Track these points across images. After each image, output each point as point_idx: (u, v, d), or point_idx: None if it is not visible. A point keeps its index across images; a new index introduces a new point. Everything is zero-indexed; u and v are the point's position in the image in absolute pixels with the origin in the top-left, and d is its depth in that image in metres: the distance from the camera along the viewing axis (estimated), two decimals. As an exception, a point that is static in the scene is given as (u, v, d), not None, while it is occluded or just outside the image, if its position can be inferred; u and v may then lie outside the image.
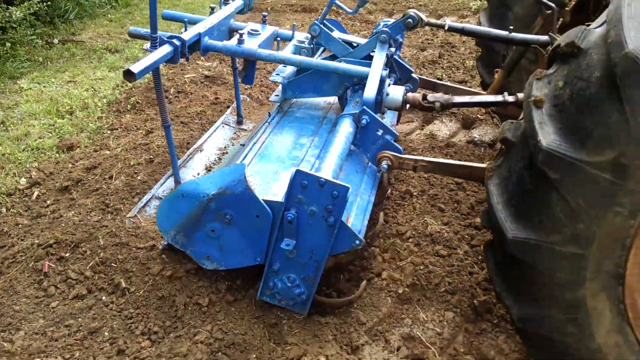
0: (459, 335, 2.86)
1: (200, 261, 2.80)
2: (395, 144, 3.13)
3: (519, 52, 3.85)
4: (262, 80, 5.65)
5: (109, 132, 4.76)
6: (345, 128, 3.00)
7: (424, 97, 3.37)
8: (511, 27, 3.65)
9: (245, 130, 4.48)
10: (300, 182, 2.43)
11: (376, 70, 3.18)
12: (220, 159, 4.04)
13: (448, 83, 4.48)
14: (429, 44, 7.25)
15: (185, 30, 3.21)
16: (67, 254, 3.02)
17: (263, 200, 2.57)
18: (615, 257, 1.90)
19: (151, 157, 3.96)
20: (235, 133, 4.40)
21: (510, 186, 2.13)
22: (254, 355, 2.56)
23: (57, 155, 4.41)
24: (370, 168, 3.23)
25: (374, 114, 3.06)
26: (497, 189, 2.22)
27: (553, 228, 1.92)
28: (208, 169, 3.88)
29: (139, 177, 3.69)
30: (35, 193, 3.80)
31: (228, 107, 4.81)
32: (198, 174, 3.81)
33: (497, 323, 2.91)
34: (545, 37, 3.58)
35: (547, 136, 1.88)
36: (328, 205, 2.45)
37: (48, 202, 3.66)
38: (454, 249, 3.30)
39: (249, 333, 2.67)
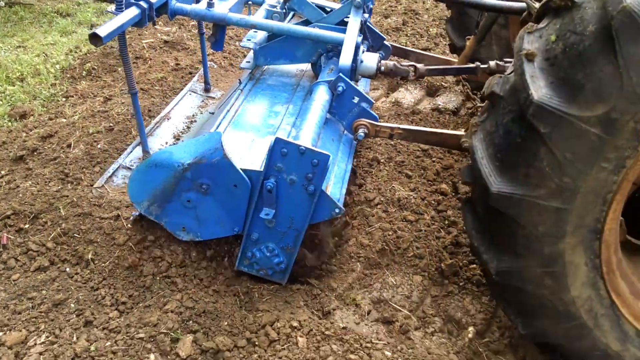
0: (427, 298, 2.92)
1: (176, 232, 2.74)
2: (371, 111, 3.11)
3: (491, 19, 3.85)
4: (226, 47, 5.49)
5: (63, 99, 4.55)
6: (322, 96, 2.95)
7: (398, 64, 3.35)
8: None
9: (214, 98, 4.36)
10: (280, 150, 2.39)
11: (351, 36, 3.13)
12: (188, 127, 3.93)
13: (419, 51, 4.46)
14: (392, 11, 7.20)
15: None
16: (27, 225, 2.90)
17: (241, 169, 2.51)
18: (596, 212, 1.94)
19: (111, 125, 3.82)
20: (202, 101, 4.28)
21: (496, 140, 2.12)
22: (226, 323, 2.55)
23: (9, 123, 4.19)
24: (346, 136, 3.20)
25: (350, 81, 3.01)
26: (481, 144, 2.21)
27: (539, 182, 1.94)
28: (176, 138, 3.77)
29: (99, 146, 3.56)
30: (-12, 163, 3.62)
31: (190, 73, 4.68)
32: (166, 142, 3.70)
33: (464, 285, 2.99)
34: (520, 4, 3.57)
35: (539, 90, 1.88)
36: (308, 174, 2.43)
37: (2, 172, 3.49)
38: (421, 214, 3.34)
39: (220, 301, 2.65)
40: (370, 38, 3.74)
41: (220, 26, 3.37)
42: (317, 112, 2.80)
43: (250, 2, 3.75)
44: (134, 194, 2.68)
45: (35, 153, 3.62)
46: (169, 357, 2.40)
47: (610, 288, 2.11)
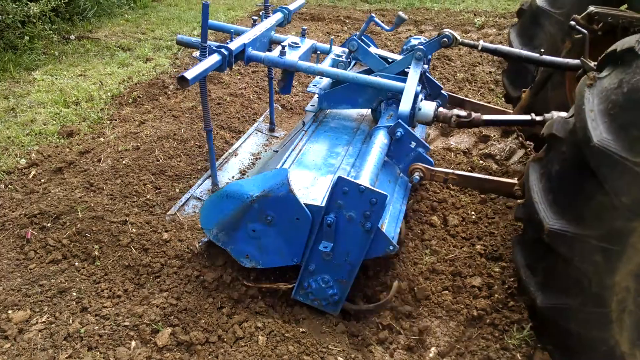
0: (397, 319, 3.10)
1: (240, 259, 2.93)
2: (427, 156, 3.26)
3: (547, 74, 3.99)
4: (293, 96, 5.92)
5: (107, 122, 5.11)
6: (380, 139, 3.11)
7: (455, 114, 3.50)
8: (542, 50, 3.79)
9: (277, 137, 4.71)
10: (342, 188, 2.55)
11: (411, 85, 3.33)
12: (253, 163, 4.27)
13: (475, 100, 4.58)
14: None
15: (231, 40, 3.36)
16: (49, 224, 3.35)
17: (304, 204, 2.70)
18: None
19: (138, 144, 4.29)
20: (267, 140, 4.65)
21: (552, 180, 2.24)
22: (203, 321, 2.84)
23: (57, 140, 4.77)
24: (402, 179, 3.35)
25: (407, 127, 3.19)
26: (538, 183, 2.35)
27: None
28: (242, 173, 4.11)
29: (124, 162, 4.02)
30: (32, 172, 4.15)
31: (218, 104, 5.14)
32: (233, 177, 4.02)
33: (433, 309, 3.15)
34: (575, 61, 3.68)
35: (599, 134, 1.99)
36: (366, 212, 2.57)
37: (42, 180, 4.01)
38: (403, 240, 3.54)
39: (201, 303, 2.95)
40: (428, 87, 3.89)
41: (289, 72, 3.62)
42: (376, 155, 2.95)
43: (318, 52, 4.03)
44: (204, 221, 2.89)
45: (71, 166, 4.13)
46: (147, 345, 2.72)
47: None
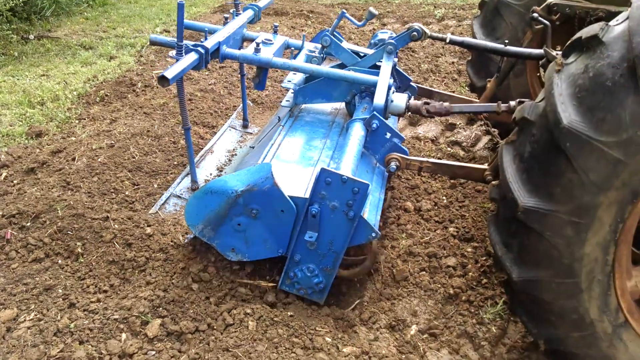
0: (379, 300, 3.23)
1: (226, 253, 3.00)
2: (402, 146, 3.37)
3: (510, 64, 4.16)
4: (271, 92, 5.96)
5: (76, 121, 5.07)
6: (357, 131, 3.20)
7: (426, 104, 3.65)
8: (506, 41, 3.95)
9: (251, 133, 4.76)
10: (325, 179, 2.64)
11: (384, 78, 3.44)
12: (230, 160, 4.30)
13: (443, 91, 4.74)
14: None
15: (205, 39, 3.37)
16: (28, 223, 3.34)
17: (289, 196, 2.78)
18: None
19: (112, 142, 4.28)
20: (241, 136, 4.68)
21: (524, 161, 2.36)
22: (191, 311, 2.90)
23: (26, 141, 4.71)
24: (379, 168, 3.44)
25: (382, 118, 3.29)
26: (511, 164, 2.47)
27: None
28: (220, 170, 4.14)
29: (99, 159, 4.01)
30: (4, 174, 4.09)
31: (190, 99, 5.16)
32: (210, 174, 4.06)
33: (412, 290, 3.29)
34: (538, 51, 3.86)
35: (568, 116, 2.12)
36: (349, 201, 2.67)
37: (15, 181, 3.97)
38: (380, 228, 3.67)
39: (189, 294, 3.00)
40: (398, 79, 4.01)
41: (263, 69, 3.66)
42: (354, 146, 3.05)
43: (292, 48, 4.08)
44: (190, 218, 2.94)
45: (44, 165, 4.10)
46: (138, 336, 2.76)
47: (616, 257, 2.29)
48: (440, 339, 3.04)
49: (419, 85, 4.53)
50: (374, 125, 3.25)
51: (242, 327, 2.75)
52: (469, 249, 3.70)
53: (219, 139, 4.43)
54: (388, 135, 3.31)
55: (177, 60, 3.11)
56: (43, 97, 5.65)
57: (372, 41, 4.37)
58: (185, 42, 3.18)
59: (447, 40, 3.99)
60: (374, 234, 2.82)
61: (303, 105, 3.96)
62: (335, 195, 2.69)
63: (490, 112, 3.82)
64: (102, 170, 3.89)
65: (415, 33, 3.80)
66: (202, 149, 4.23)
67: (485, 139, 5.29)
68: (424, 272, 3.40)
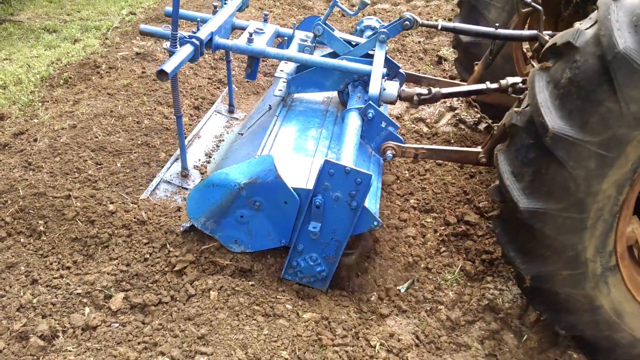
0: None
1: (229, 245, 3.05)
2: (397, 134, 3.39)
3: (499, 47, 4.22)
4: (241, 73, 5.91)
5: (40, 104, 5.01)
6: (354, 121, 3.22)
7: (418, 93, 3.69)
8: (497, 24, 4.03)
9: (237, 119, 4.74)
10: (328, 171, 2.67)
11: (378, 67, 3.46)
12: (217, 146, 4.29)
13: (430, 76, 4.76)
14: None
15: (198, 29, 3.33)
16: (-11, 204, 3.33)
17: (292, 188, 2.82)
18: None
19: (74, 123, 4.26)
20: (227, 121, 4.66)
21: (518, 165, 2.46)
22: (155, 284, 2.95)
23: (-12, 124, 4.65)
24: (374, 157, 3.46)
25: (377, 107, 3.29)
26: (507, 168, 2.55)
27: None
28: (208, 156, 4.14)
29: (61, 140, 4.00)
30: (-35, 157, 4.05)
31: (154, 80, 5.14)
32: (199, 159, 4.05)
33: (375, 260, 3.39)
34: (529, 32, 3.98)
35: (553, 120, 2.23)
36: (352, 191, 2.71)
37: (-24, 164, 3.93)
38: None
39: (152, 268, 3.05)
40: (387, 67, 3.95)
41: (255, 59, 3.62)
42: (352, 136, 3.08)
43: (285, 37, 4.08)
44: (191, 211, 2.98)
45: (6, 147, 4.07)
46: (101, 310, 2.81)
47: (627, 197, 2.35)
48: (399, 305, 3.14)
49: (407, 71, 4.55)
50: (370, 115, 3.28)
51: (204, 297, 2.82)
52: (429, 220, 3.81)
53: (205, 124, 4.41)
54: (383, 124, 3.35)
55: (172, 52, 3.09)
56: (5, 80, 5.56)
57: (358, 28, 4.37)
58: (179, 32, 3.14)
59: (439, 27, 4.04)
60: (375, 223, 2.87)
61: (295, 95, 3.95)
62: (339, 186, 2.72)
63: (480, 93, 3.89)
64: (64, 151, 3.88)
65: (407, 22, 3.82)
66: (187, 134, 4.19)
67: (449, 116, 5.41)
68: (384, 242, 3.49)
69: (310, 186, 2.82)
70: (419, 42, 7.24)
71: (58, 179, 3.57)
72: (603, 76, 2.16)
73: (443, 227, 3.75)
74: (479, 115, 5.24)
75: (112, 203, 3.35)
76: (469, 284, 3.37)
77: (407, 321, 3.03)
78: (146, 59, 5.81)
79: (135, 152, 4.01)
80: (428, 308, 3.16)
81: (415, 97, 3.68)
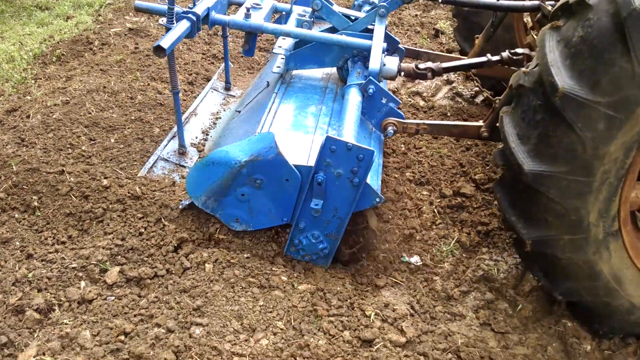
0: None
1: (230, 223, 3.02)
2: (398, 110, 3.35)
3: (500, 18, 4.18)
4: (235, 48, 5.86)
5: (32, 81, 4.97)
6: (355, 97, 3.18)
7: (417, 66, 3.64)
8: None
9: (234, 96, 4.67)
10: (329, 147, 2.63)
11: (378, 42, 3.40)
12: (214, 123, 4.24)
13: (430, 51, 4.71)
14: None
15: (194, 4, 3.29)
16: (-18, 180, 3.32)
17: (293, 165, 2.80)
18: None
19: (67, 99, 4.23)
20: (224, 99, 4.60)
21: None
22: (150, 258, 2.95)
23: (-19, 102, 4.61)
24: (375, 133, 3.42)
25: (378, 83, 3.24)
26: (512, 130, 2.50)
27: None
28: (205, 133, 4.10)
29: (54, 116, 3.97)
30: (-43, 134, 4.03)
31: (147, 55, 5.09)
32: (196, 137, 4.00)
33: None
34: (532, 2, 3.90)
35: (563, 80, 2.18)
36: (354, 168, 2.68)
37: (-31, 141, 3.91)
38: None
39: (147, 242, 3.04)
40: (386, 42, 3.85)
41: (252, 34, 3.54)
42: (353, 112, 3.03)
43: (283, 12, 4.01)
44: (192, 190, 2.96)
45: (-1, 125, 4.05)
46: (97, 284, 2.81)
47: (633, 161, 2.33)
48: (394, 277, 3.16)
49: (407, 46, 4.49)
50: (371, 91, 3.23)
51: (200, 270, 2.82)
52: (425, 192, 3.81)
53: (202, 101, 4.36)
54: (384, 100, 3.30)
55: (169, 28, 3.03)
56: (-3, 58, 5.51)
57: (356, 2, 4.28)
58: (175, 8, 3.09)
59: (440, 0, 3.98)
60: (378, 199, 2.85)
61: (293, 72, 3.88)
62: (341, 163, 2.69)
63: (481, 66, 3.84)
64: (57, 127, 3.85)
65: None
66: (184, 110, 4.14)
67: (446, 89, 5.37)
68: (380, 215, 3.49)
69: (312, 163, 2.80)
70: (416, 15, 7.16)
71: (51, 154, 3.55)
72: (616, 35, 2.11)
73: (439, 200, 3.74)
74: (476, 89, 5.20)
75: (106, 178, 3.34)
76: (464, 255, 3.37)
77: (402, 292, 3.05)
78: (139, 34, 5.74)
79: (128, 128, 3.98)
80: (423, 279, 3.17)
81: (416, 71, 3.64)
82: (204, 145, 3.98)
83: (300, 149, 3.08)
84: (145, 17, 6.46)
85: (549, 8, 3.54)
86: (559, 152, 2.32)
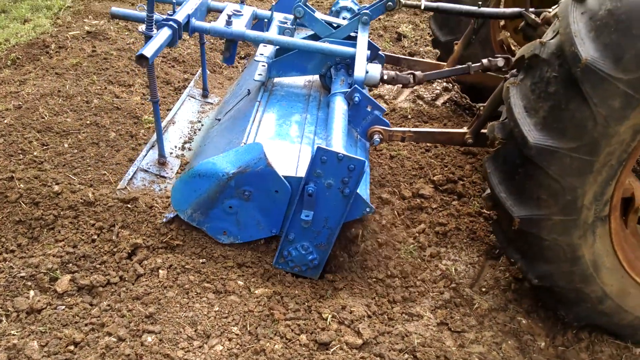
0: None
1: (217, 236, 2.97)
2: (384, 118, 3.34)
3: (480, 25, 4.19)
4: (215, 55, 5.78)
5: (-15, 86, 4.82)
6: (340, 106, 3.15)
7: (399, 74, 3.63)
8: (479, 2, 3.98)
9: (211, 103, 4.56)
10: (320, 158, 2.60)
11: (362, 50, 3.37)
12: (193, 132, 4.12)
13: (409, 57, 4.70)
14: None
15: (174, 11, 3.20)
16: None
17: (283, 176, 2.76)
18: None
19: (20, 103, 4.11)
20: (201, 106, 4.49)
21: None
22: (102, 265, 2.88)
23: None
24: (361, 141, 3.39)
25: (363, 91, 3.22)
26: (520, 101, 2.42)
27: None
28: (184, 142, 3.97)
29: (5, 121, 3.85)
30: None
31: (105, 59, 4.99)
32: (175, 146, 3.88)
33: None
34: (512, 10, 3.94)
35: (586, 51, 2.11)
36: (344, 178, 2.64)
37: None
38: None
39: (100, 249, 2.97)
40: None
41: (233, 42, 3.49)
42: (340, 121, 3.01)
43: (265, 20, 3.94)
44: (177, 203, 2.90)
45: (-53, 131, 3.90)
46: (47, 293, 2.73)
47: (634, 152, 2.29)
48: (353, 279, 3.15)
49: (387, 53, 4.49)
50: (356, 99, 3.21)
51: (153, 276, 2.77)
52: (385, 195, 3.82)
53: (179, 109, 4.24)
54: (369, 107, 3.29)
55: (149, 36, 2.96)
56: (-52, 62, 5.32)
57: (334, 9, 4.26)
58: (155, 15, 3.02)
59: (422, 7, 3.99)
60: (368, 209, 2.83)
61: (275, 80, 3.83)
62: (331, 173, 2.66)
63: (462, 74, 3.88)
64: (8, 132, 3.74)
65: (390, 3, 3.77)
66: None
67: (407, 92, 5.42)
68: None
69: (301, 174, 2.77)
70: (379, 19, 7.21)
71: (1, 160, 3.44)
72: None
73: (399, 201, 3.76)
74: (437, 91, 5.26)
75: (57, 184, 3.25)
76: (423, 254, 3.39)
77: (360, 294, 3.04)
78: (97, 37, 5.63)
79: (83, 132, 3.89)
80: (381, 280, 3.17)
81: (397, 80, 3.63)
82: (184, 155, 3.86)
83: (287, 159, 3.04)
84: (105, 20, 6.34)
85: (532, 16, 3.59)
86: (568, 127, 2.26)
